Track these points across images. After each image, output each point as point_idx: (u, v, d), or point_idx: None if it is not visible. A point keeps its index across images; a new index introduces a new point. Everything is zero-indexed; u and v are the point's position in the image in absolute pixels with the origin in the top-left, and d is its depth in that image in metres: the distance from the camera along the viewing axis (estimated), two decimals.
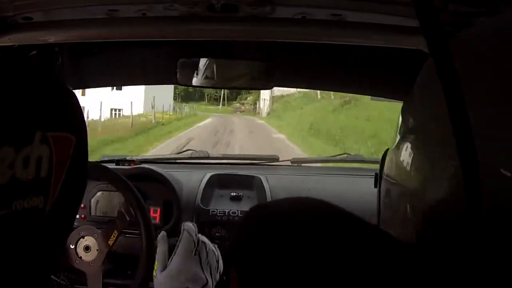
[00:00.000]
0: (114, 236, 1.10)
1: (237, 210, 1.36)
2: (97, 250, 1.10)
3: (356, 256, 0.30)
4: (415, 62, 1.18)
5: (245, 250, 0.36)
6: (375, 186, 0.68)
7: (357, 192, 1.48)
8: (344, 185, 1.58)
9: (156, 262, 0.80)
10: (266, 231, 0.35)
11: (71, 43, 1.03)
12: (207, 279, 0.79)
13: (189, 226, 0.86)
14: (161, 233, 0.85)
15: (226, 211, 1.36)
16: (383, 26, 0.91)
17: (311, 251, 0.31)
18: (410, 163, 0.48)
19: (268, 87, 1.22)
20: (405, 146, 0.52)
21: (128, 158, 1.64)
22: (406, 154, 0.50)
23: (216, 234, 1.34)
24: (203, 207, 1.38)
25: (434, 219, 0.40)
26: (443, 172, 0.39)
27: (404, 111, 0.60)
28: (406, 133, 0.52)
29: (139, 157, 1.70)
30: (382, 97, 1.56)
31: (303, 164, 1.84)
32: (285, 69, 1.28)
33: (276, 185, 1.48)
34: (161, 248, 0.82)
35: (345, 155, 1.85)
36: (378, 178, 0.66)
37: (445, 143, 0.40)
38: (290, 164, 1.82)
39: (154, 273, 0.81)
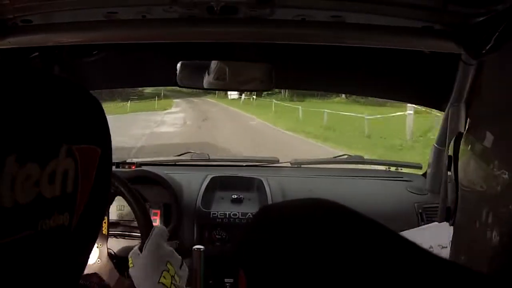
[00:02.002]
0: (105, 223, 1.08)
1: (238, 212, 1.35)
2: (97, 247, 1.09)
3: (368, 257, 0.30)
4: (417, 63, 1.18)
5: (253, 250, 0.35)
6: (449, 169, 0.64)
7: (357, 193, 1.48)
8: (344, 186, 1.57)
9: (129, 259, 0.85)
10: (276, 231, 0.35)
11: (71, 45, 1.03)
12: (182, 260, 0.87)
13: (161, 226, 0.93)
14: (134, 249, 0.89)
15: (227, 213, 1.36)
16: (383, 28, 0.91)
17: (321, 251, 0.31)
18: (486, 166, 0.45)
19: (269, 88, 1.22)
20: (476, 150, 0.49)
21: (128, 160, 1.64)
22: (480, 159, 0.48)
23: (217, 236, 1.34)
24: (204, 209, 1.38)
25: None
26: None
27: (468, 112, 0.58)
28: (476, 136, 0.50)
29: (139, 160, 1.70)
30: (384, 98, 1.56)
31: (303, 166, 1.83)
32: (286, 70, 1.28)
33: (276, 187, 1.48)
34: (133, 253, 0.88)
35: (346, 156, 1.85)
36: (451, 161, 0.62)
37: None
38: (290, 165, 1.82)
39: (130, 264, 0.85)
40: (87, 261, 0.42)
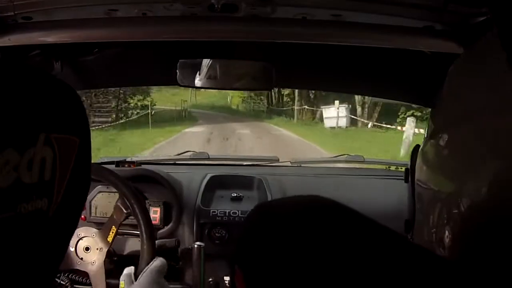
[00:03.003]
0: (112, 232, 1.09)
1: (238, 211, 1.36)
2: (97, 249, 1.09)
3: (360, 252, 0.30)
4: (418, 62, 1.18)
5: (249, 247, 0.36)
6: (406, 181, 0.66)
7: (357, 192, 1.48)
8: (344, 185, 1.57)
9: (121, 282, 0.84)
10: (271, 227, 0.35)
11: (71, 43, 1.03)
12: None
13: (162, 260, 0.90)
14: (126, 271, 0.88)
15: (227, 211, 1.36)
16: (384, 27, 0.91)
17: (317, 247, 0.31)
18: (443, 166, 0.47)
19: (269, 87, 1.22)
20: (435, 149, 0.51)
21: (128, 159, 1.64)
22: (438, 158, 0.49)
23: (216, 234, 1.34)
24: (204, 207, 1.38)
25: (471, 223, 0.39)
26: (480, 174, 0.39)
27: (433, 114, 0.59)
28: (436, 136, 0.51)
29: (139, 159, 1.70)
30: (383, 97, 1.56)
31: (303, 165, 1.84)
32: (286, 70, 1.28)
33: (276, 186, 1.48)
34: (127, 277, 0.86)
35: (345, 156, 1.86)
36: (409, 173, 0.64)
37: (480, 144, 0.39)
38: (290, 164, 1.82)
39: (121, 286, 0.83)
40: (66, 248, 0.44)
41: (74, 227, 0.43)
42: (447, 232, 0.43)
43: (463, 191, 0.40)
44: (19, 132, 0.33)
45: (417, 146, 0.64)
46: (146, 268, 0.87)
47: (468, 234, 0.39)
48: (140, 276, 0.86)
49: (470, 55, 0.57)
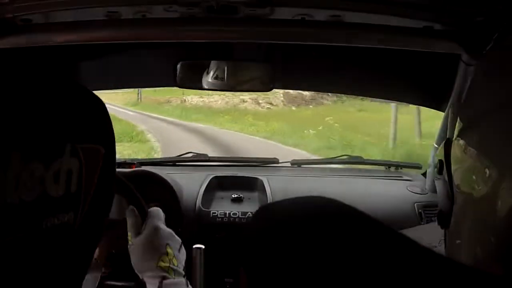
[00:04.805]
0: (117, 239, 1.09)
1: (238, 212, 1.35)
2: (97, 252, 1.09)
3: (367, 255, 0.30)
4: (418, 63, 1.18)
5: (254, 250, 0.36)
6: (439, 173, 0.64)
7: (357, 192, 1.48)
8: (344, 186, 1.57)
9: (129, 234, 0.83)
10: (276, 230, 0.35)
11: (71, 45, 1.03)
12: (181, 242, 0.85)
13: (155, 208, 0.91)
14: (129, 207, 0.87)
15: (227, 212, 1.36)
16: (383, 28, 0.91)
17: (319, 248, 0.31)
18: (474, 169, 0.46)
19: (268, 88, 1.22)
20: (463, 151, 0.50)
21: (128, 160, 1.64)
22: (466, 160, 0.48)
23: (217, 236, 1.34)
24: (204, 209, 1.38)
25: (506, 230, 0.38)
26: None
27: (458, 113, 0.58)
28: (462, 138, 0.50)
29: (139, 160, 1.70)
30: (384, 98, 1.56)
31: (303, 166, 1.83)
32: (285, 71, 1.28)
33: (277, 186, 1.48)
34: (131, 221, 0.85)
35: (345, 157, 1.85)
36: (442, 165, 0.62)
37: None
38: (290, 165, 1.82)
39: (130, 242, 0.83)
40: (91, 258, 0.43)
41: (99, 236, 0.42)
42: (479, 236, 0.42)
43: (499, 191, 0.39)
44: (45, 143, 0.32)
45: (449, 139, 0.62)
46: (145, 221, 0.86)
47: (503, 238, 0.38)
48: (142, 229, 0.84)
49: (494, 54, 0.56)
